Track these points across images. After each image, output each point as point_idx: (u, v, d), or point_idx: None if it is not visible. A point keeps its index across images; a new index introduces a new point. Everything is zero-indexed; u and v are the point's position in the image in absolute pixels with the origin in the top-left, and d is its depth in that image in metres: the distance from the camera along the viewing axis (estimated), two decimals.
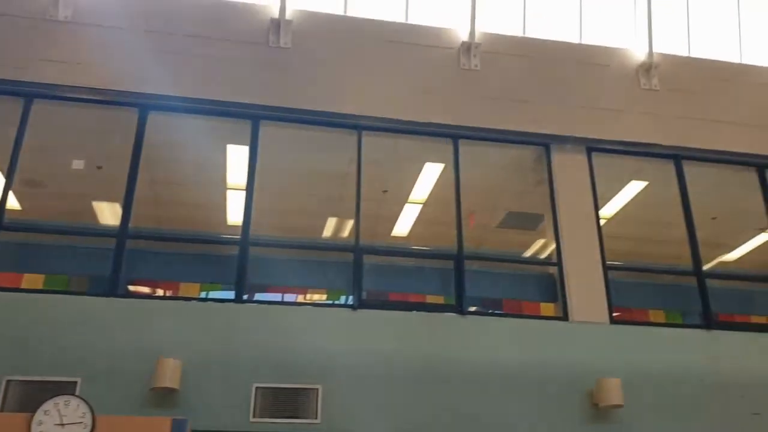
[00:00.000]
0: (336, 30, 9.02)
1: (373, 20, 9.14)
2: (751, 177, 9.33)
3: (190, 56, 8.46)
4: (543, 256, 9.01)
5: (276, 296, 8.73)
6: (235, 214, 9.19)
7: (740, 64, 9.96)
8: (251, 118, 8.47)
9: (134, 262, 7.89)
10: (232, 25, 8.75)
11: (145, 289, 8.49)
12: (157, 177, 9.32)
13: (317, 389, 7.18)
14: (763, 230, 9.42)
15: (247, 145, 8.46)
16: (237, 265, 7.80)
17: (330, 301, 8.63)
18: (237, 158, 8.94)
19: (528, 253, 9.77)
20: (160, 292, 8.50)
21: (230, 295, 7.76)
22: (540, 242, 9.49)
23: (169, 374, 6.76)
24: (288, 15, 8.77)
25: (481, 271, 8.96)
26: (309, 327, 7.59)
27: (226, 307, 7.63)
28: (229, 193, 9.65)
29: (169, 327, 7.28)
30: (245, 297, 7.77)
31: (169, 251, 8.40)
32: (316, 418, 7.08)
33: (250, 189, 8.22)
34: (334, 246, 9.57)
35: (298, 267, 8.60)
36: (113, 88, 8.18)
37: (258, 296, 8.24)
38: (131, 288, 8.19)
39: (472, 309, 8.25)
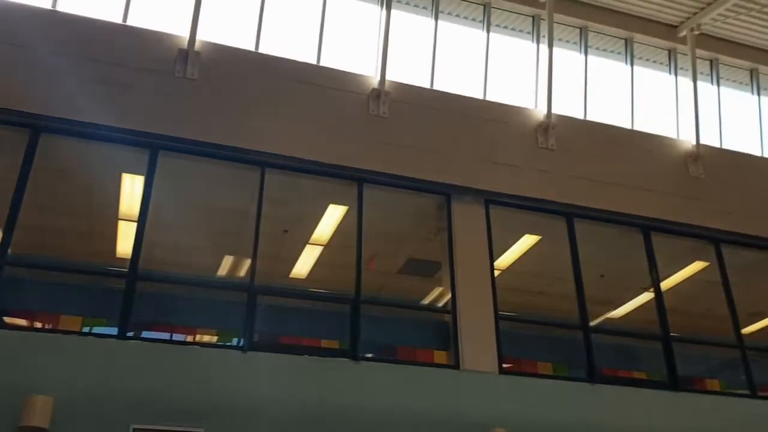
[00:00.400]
0: (246, 65, 8.95)
1: (284, 59, 9.13)
2: (637, 238, 9.80)
3: (92, 80, 8.16)
4: (441, 304, 9.09)
5: (164, 335, 8.36)
6: (125, 246, 8.81)
7: (631, 130, 10.54)
8: (149, 147, 8.22)
9: (12, 291, 7.42)
10: (138, 52, 8.52)
11: (22, 321, 7.96)
12: (44, 203, 8.85)
13: None
14: (646, 289, 9.85)
15: (143, 174, 8.19)
16: (123, 299, 7.44)
17: (220, 342, 8.34)
18: (132, 188, 8.63)
19: (427, 301, 9.84)
20: (38, 324, 7.98)
21: (113, 330, 7.38)
22: (439, 290, 9.60)
23: (38, 412, 6.32)
24: (197, 46, 8.63)
25: (379, 316, 8.96)
26: (195, 368, 7.30)
27: (107, 343, 7.26)
28: (120, 223, 9.26)
29: (45, 362, 6.83)
30: (129, 334, 7.41)
31: (51, 281, 7.94)
32: None
33: (142, 220, 7.93)
34: (227, 284, 9.30)
35: (188, 305, 8.32)
36: (2, 106, 7.76)
37: (144, 334, 7.87)
38: (6, 319, 7.65)
39: (367, 355, 8.16)
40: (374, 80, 9.31)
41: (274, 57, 9.12)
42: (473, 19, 10.56)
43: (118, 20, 8.81)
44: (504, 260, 10.07)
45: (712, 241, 10.10)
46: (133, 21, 8.87)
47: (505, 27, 10.70)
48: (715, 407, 8.92)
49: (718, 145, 11.02)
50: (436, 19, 10.22)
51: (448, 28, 10.39)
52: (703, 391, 9.24)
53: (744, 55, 11.65)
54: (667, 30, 11.18)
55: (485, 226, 9.19)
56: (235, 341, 8.09)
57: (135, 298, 7.54)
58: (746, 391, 9.30)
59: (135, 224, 7.95)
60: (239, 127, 8.51)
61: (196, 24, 8.65)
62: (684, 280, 10.53)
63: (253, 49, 9.20)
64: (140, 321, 7.75)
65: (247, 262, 8.41)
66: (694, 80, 10.63)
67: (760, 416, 9.04)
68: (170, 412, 6.92)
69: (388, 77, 9.29)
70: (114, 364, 7.07)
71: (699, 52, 11.09)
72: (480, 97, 10.02)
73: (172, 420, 6.88)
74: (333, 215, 9.51)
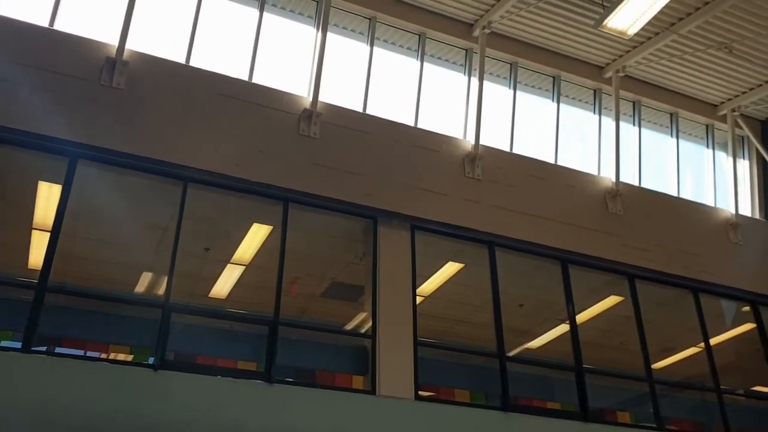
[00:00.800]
0: (175, 77, 8.81)
1: (216, 73, 9.04)
2: (556, 270, 10.03)
3: (13, 83, 7.88)
4: (365, 328, 9.05)
5: (75, 351, 8.05)
6: (37, 257, 8.48)
7: (554, 165, 10.83)
8: (68, 156, 7.99)
9: None
10: (64, 57, 8.29)
11: None
12: None
13: None
14: (563, 321, 10.07)
15: (61, 183, 7.94)
16: (29, 311, 7.16)
17: (135, 360, 8.09)
18: (48, 197, 8.35)
19: (351, 325, 9.79)
20: None
21: (17, 344, 7.08)
22: (363, 315, 9.56)
23: None
24: (126, 56, 8.46)
25: (301, 340, 8.88)
26: (102, 385, 7.09)
27: (10, 357, 6.94)
28: (35, 233, 8.93)
29: None
30: (36, 348, 7.12)
31: None
32: None
33: (56, 231, 7.68)
34: (141, 301, 9.05)
35: (102, 320, 8.08)
36: None
37: (56, 349, 7.57)
38: None
39: (283, 378, 8.05)
40: (306, 101, 9.31)
41: (205, 71, 9.02)
42: (408, 48, 10.72)
43: (45, 24, 8.58)
44: (427, 287, 10.13)
45: (627, 276, 10.41)
46: (60, 26, 8.65)
47: (439, 58, 10.90)
48: None
49: (637, 184, 11.43)
50: (372, 45, 10.33)
51: (383, 54, 10.51)
52: (612, 423, 9.44)
53: (665, 98, 12.16)
54: (594, 70, 11.59)
55: (410, 251, 9.24)
56: (150, 359, 7.87)
57: (43, 311, 7.28)
58: (653, 425, 9.56)
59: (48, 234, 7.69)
60: (163, 140, 8.37)
61: (126, 33, 8.48)
62: (600, 314, 10.81)
63: (183, 62, 9.08)
64: (49, 335, 7.48)
65: (166, 279, 8.22)
66: (617, 120, 11.03)
67: None
68: (73, 429, 6.66)
69: (320, 99, 9.31)
70: (16, 378, 6.78)
71: (623, 93, 11.52)
72: (411, 124, 10.14)
73: None
74: (257, 235, 9.40)
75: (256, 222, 9.31)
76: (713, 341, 10.80)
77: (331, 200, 9.01)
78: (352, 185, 9.15)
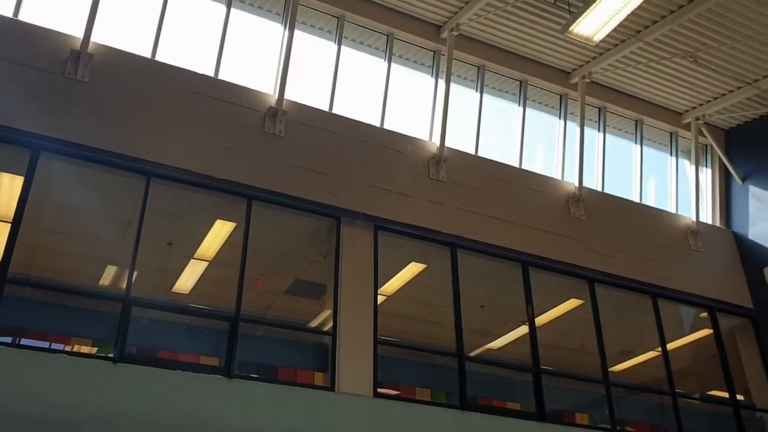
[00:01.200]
0: (140, 71, 8.81)
1: (181, 68, 9.06)
2: (517, 272, 10.16)
3: None
4: (328, 326, 9.10)
5: (37, 342, 8.04)
6: None
7: (519, 169, 10.97)
8: (31, 148, 7.97)
9: None
10: (28, 48, 8.27)
11: None
12: None
13: None
14: (524, 323, 10.19)
15: (23, 175, 7.91)
16: None
17: (92, 353, 8.09)
18: (11, 188, 8.31)
19: (316, 323, 9.84)
20: None
21: None
22: (327, 312, 9.61)
23: None
24: (90, 48, 8.45)
25: (264, 336, 8.93)
26: (60, 377, 7.09)
27: None
28: None
29: None
30: None
31: None
32: None
33: (17, 222, 7.65)
34: (102, 294, 9.03)
35: (63, 313, 8.07)
36: None
37: (13, 340, 7.56)
38: None
39: (242, 373, 8.09)
40: (272, 98, 9.35)
41: (170, 66, 9.03)
42: (376, 48, 10.78)
43: (9, 14, 8.54)
44: (390, 286, 10.22)
45: (588, 280, 10.57)
46: (25, 17, 8.61)
47: (407, 59, 10.97)
48: None
49: (600, 190, 11.60)
50: (339, 44, 10.38)
51: (350, 54, 10.57)
52: (567, 424, 9.59)
53: (631, 105, 12.34)
54: (560, 75, 11.73)
55: (372, 251, 9.32)
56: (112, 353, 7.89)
57: (4, 302, 7.28)
58: (608, 426, 9.73)
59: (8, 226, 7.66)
60: (127, 134, 8.37)
61: (92, 25, 8.47)
62: (560, 316, 10.97)
63: (149, 56, 9.08)
64: (11, 327, 7.49)
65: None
66: (582, 126, 11.18)
67: None
68: (30, 420, 6.67)
69: (286, 97, 9.36)
70: None
71: (588, 99, 11.68)
72: (377, 124, 10.21)
73: (33, 430, 6.62)
74: (220, 231, 9.42)
75: (219, 218, 9.33)
76: (671, 346, 11.01)
77: (294, 199, 9.05)
78: (316, 184, 9.21)
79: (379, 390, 8.49)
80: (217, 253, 9.70)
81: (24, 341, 7.74)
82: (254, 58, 10.01)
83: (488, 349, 11.17)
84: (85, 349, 7.98)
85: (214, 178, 8.67)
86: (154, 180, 8.40)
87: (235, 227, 9.24)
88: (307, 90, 9.91)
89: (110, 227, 9.24)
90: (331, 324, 8.93)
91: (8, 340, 7.52)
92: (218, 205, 9.13)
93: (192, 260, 9.84)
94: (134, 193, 8.42)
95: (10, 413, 6.65)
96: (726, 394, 10.93)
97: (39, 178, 7.95)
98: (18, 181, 8.03)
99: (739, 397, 11.13)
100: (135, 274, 8.03)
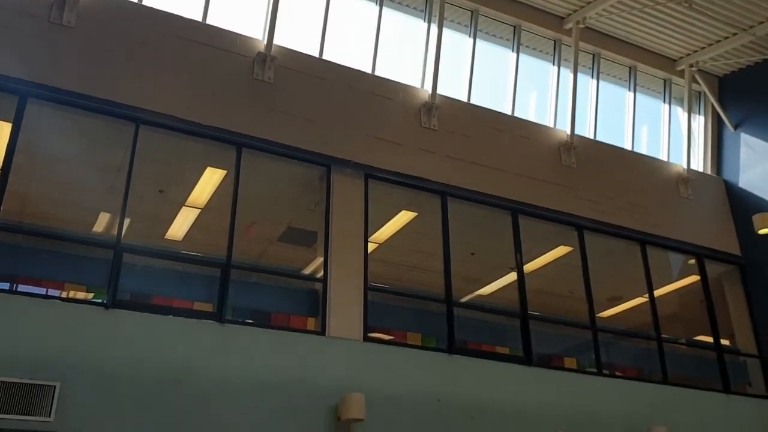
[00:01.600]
0: (128, 16, 8.70)
1: (169, 13, 8.93)
2: (507, 220, 10.22)
3: None
4: (320, 273, 9.19)
5: (30, 288, 8.13)
6: None
7: (511, 117, 10.92)
8: (18, 94, 7.91)
9: None
10: None
11: None
12: None
13: (54, 387, 6.80)
14: (512, 269, 10.30)
15: (10, 122, 7.88)
16: None
17: (84, 299, 8.19)
18: None
19: (308, 270, 9.93)
20: None
21: None
22: (320, 260, 9.70)
23: None
24: None
25: (258, 283, 9.02)
26: (54, 322, 7.19)
27: None
28: None
29: None
30: None
31: None
32: (49, 416, 6.71)
33: (6, 169, 7.64)
34: (92, 241, 9.09)
35: (54, 260, 8.12)
36: None
37: (2, 285, 7.65)
38: None
39: (234, 318, 8.22)
40: (261, 44, 9.25)
41: (158, 10, 8.91)
42: None
43: None
44: (381, 234, 10.29)
45: (577, 227, 10.64)
46: None
47: (399, 3, 10.80)
48: (562, 382, 9.50)
49: (592, 137, 11.59)
50: None
51: None
52: (554, 368, 9.79)
53: (625, 52, 12.23)
54: (555, 20, 11.58)
55: (363, 199, 9.34)
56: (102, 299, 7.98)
57: None
58: (595, 370, 9.93)
59: None
60: (115, 80, 8.31)
61: None
62: (550, 263, 11.08)
63: (136, 0, 8.95)
64: (1, 274, 7.58)
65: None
66: (575, 72, 11.09)
67: (599, 391, 9.68)
68: (24, 365, 6.79)
69: (276, 42, 9.25)
70: None
71: (582, 45, 11.56)
72: (368, 71, 10.12)
73: (25, 373, 6.76)
74: (211, 179, 9.43)
75: (210, 166, 9.33)
76: (659, 292, 11.17)
77: (284, 147, 9.03)
78: (305, 132, 9.18)
79: (370, 335, 8.64)
80: (209, 201, 9.74)
81: (20, 287, 7.86)
82: (243, 1, 9.85)
83: (478, 295, 11.32)
84: (80, 296, 8.08)
85: (202, 125, 8.62)
86: (143, 127, 8.37)
87: (226, 175, 9.25)
88: (297, 36, 9.79)
89: (101, 174, 9.26)
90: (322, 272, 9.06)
91: (2, 286, 7.61)
92: (208, 152, 9.10)
93: (184, 207, 9.88)
94: (123, 139, 8.39)
95: (2, 359, 6.76)
96: (711, 340, 11.14)
97: (27, 126, 7.92)
98: (6, 128, 8.00)
99: (724, 342, 11.34)
100: (127, 221, 8.07)
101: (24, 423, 6.62)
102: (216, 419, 7.40)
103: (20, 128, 7.85)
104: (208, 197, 9.69)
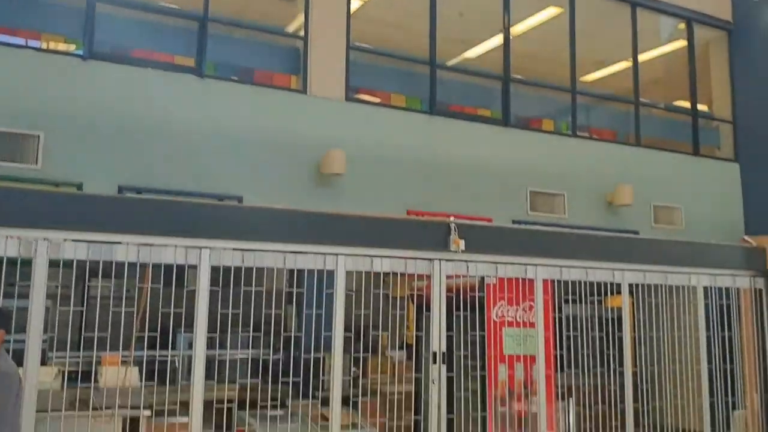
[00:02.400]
0: None
1: None
2: None
3: None
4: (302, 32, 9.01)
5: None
6: None
7: None
8: None
9: None
10: None
11: None
12: None
13: (38, 136, 7.03)
14: (501, 31, 10.09)
15: None
16: None
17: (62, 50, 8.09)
18: None
19: (291, 28, 9.71)
20: None
21: None
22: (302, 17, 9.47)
23: None
24: None
25: (242, 39, 8.87)
26: (35, 72, 7.23)
27: None
28: None
29: None
30: None
31: None
32: (36, 164, 6.99)
33: None
34: None
35: (30, 7, 7.91)
36: None
37: None
38: None
39: (223, 75, 8.21)
40: None
41: None
42: None
43: None
44: None
45: None
46: None
47: None
48: (536, 142, 9.82)
49: None
50: None
51: None
52: (531, 129, 10.04)
53: None
54: None
55: None
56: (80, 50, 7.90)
57: None
58: (569, 132, 10.21)
59: None
60: None
61: None
62: (539, 25, 10.83)
63: None
64: None
65: None
66: None
67: (572, 151, 10.06)
68: (4, 114, 6.94)
69: None
70: None
71: None
72: None
73: (6, 122, 6.93)
74: None
75: None
76: (645, 57, 11.11)
77: None
78: None
79: (353, 95, 8.72)
80: None
81: None
82: None
83: (465, 58, 11.19)
84: (62, 47, 7.97)
85: None
86: None
87: None
88: None
89: None
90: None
91: None
92: None
93: None
94: None
95: (9, 106, 6.92)
96: (689, 105, 11.31)
97: None
98: None
99: (702, 107, 11.52)
100: None
101: (13, 170, 6.93)
102: (200, 169, 7.69)
103: None
104: None
